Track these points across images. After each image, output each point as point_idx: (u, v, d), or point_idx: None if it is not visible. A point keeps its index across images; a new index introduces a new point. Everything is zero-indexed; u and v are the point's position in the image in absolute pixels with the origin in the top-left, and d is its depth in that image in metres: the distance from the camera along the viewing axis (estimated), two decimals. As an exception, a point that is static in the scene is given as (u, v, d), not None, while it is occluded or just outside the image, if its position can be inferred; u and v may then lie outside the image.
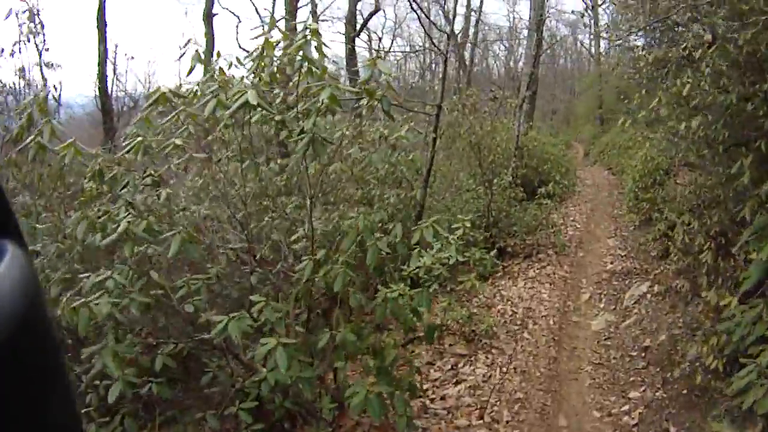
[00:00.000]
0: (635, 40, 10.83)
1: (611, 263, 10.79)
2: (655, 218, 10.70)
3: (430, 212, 10.43)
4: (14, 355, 0.66)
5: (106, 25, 18.11)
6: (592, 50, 40.09)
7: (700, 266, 6.88)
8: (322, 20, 23.20)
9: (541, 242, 11.48)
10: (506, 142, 13.23)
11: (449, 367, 7.00)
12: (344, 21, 23.34)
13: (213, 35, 20.52)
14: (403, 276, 5.83)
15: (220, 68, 4.50)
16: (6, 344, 0.64)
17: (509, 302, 8.96)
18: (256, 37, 4.29)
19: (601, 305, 8.98)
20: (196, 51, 4.47)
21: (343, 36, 23.48)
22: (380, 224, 5.41)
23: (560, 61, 52.48)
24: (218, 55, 4.80)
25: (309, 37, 4.01)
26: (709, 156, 6.89)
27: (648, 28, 7.95)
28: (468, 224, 6.14)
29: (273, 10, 24.58)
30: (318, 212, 7.53)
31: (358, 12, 24.41)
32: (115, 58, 21.48)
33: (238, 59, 4.65)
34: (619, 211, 14.74)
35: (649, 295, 8.72)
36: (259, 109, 4.12)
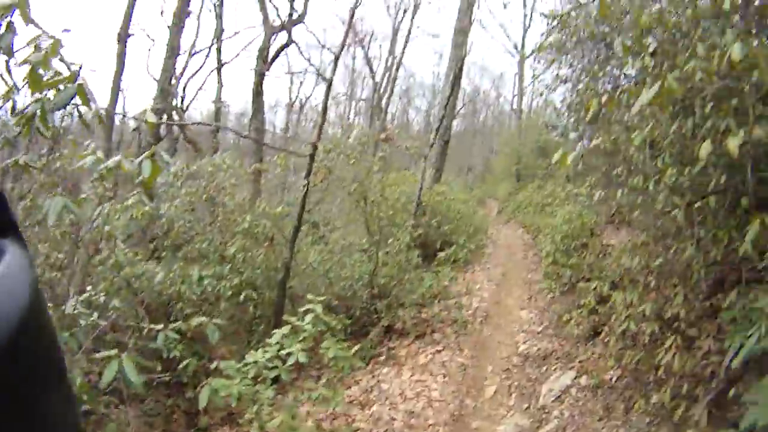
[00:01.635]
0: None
1: (524, 343, 8.58)
2: (579, 289, 8.69)
3: (300, 278, 9.10)
4: (14, 355, 0.66)
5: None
6: (515, 105, 39.99)
7: (651, 363, 5.08)
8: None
9: (439, 317, 9.22)
10: (407, 195, 11.78)
11: None
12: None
13: (124, 56, 17.99)
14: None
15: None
16: (6, 344, 0.64)
17: (388, 402, 6.70)
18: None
19: (511, 403, 6.78)
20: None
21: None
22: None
23: (481, 117, 52.01)
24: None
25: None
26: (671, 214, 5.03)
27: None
28: (319, 307, 5.17)
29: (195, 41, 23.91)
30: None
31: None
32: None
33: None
34: (535, 276, 12.76)
35: (574, 390, 6.58)
36: None
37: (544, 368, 7.51)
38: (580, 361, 7.19)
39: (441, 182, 18.63)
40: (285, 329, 5.16)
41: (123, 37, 17.42)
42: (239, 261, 8.43)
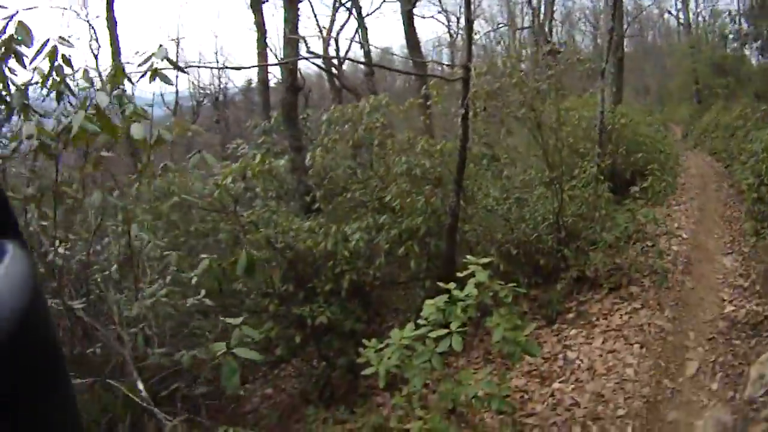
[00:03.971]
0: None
1: (730, 302, 7.11)
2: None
3: (471, 224, 8.20)
4: (14, 355, 0.67)
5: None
6: (681, 18, 36.61)
7: None
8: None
9: (636, 265, 7.86)
10: (587, 121, 10.69)
11: None
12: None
13: (263, 24, 17.20)
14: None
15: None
16: (6, 344, 0.64)
17: (573, 378, 5.77)
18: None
19: (714, 387, 5.31)
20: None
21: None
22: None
23: (648, 37, 48.16)
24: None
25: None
26: None
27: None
28: (483, 274, 4.08)
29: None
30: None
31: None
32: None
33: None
34: (734, 213, 11.21)
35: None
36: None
37: (753, 341, 6.00)
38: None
39: (621, 104, 16.94)
40: (440, 301, 4.11)
41: (258, 3, 16.80)
42: (398, 208, 7.61)
